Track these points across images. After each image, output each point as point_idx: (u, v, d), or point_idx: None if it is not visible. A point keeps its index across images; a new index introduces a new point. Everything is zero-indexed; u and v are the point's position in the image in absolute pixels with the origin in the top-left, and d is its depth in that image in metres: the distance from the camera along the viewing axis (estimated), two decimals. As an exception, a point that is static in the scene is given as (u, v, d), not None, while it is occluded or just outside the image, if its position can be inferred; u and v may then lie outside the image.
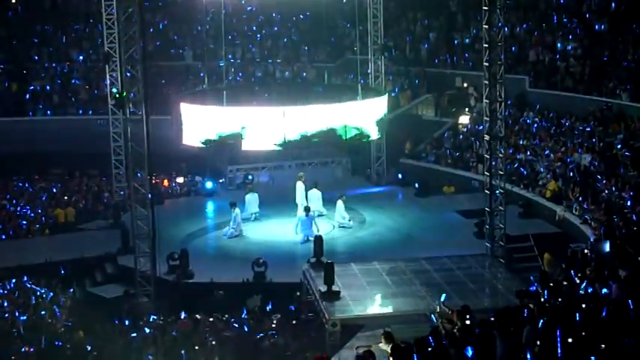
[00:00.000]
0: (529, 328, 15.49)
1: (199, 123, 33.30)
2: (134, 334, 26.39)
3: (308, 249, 31.92)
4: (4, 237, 36.54)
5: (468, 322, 17.69)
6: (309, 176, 38.16)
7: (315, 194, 36.94)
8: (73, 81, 50.41)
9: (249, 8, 53.68)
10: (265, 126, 32.35)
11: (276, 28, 54.05)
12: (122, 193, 39.62)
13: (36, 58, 51.34)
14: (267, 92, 40.96)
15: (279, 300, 29.07)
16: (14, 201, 40.01)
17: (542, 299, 18.40)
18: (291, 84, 47.35)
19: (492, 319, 16.22)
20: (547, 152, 37.79)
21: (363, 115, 33.36)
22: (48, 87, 49.88)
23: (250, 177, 41.96)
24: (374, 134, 34.38)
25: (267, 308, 28.69)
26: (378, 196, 40.42)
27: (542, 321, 15.52)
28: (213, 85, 41.36)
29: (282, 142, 32.32)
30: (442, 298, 21.70)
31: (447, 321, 19.19)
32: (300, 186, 36.89)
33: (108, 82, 40.30)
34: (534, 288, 20.84)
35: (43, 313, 27.79)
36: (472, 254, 31.33)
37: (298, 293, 29.51)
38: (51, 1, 54.66)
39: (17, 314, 27.43)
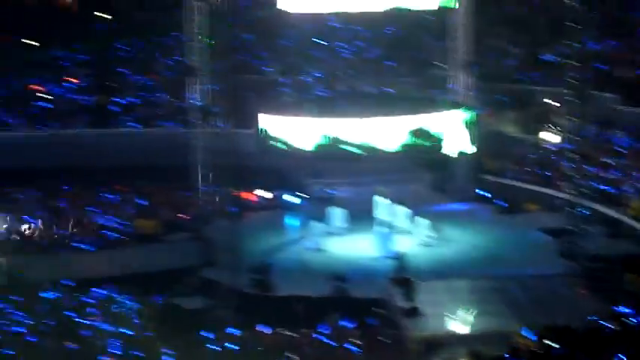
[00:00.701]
0: (616, 350, 15.25)
1: (283, 135, 33.45)
2: (215, 347, 26.54)
3: (389, 265, 31.82)
4: (89, 248, 37.01)
5: (549, 342, 17.48)
6: (391, 192, 38.03)
7: (399, 210, 36.83)
8: (157, 94, 50.93)
9: (334, 24, 53.75)
10: (349, 137, 32.43)
11: (360, 43, 54.05)
12: (205, 206, 39.87)
13: (122, 70, 52.00)
14: (351, 105, 40.94)
15: (360, 316, 28.99)
16: (100, 212, 40.49)
17: (630, 320, 18.10)
18: (374, 98, 47.27)
19: (575, 339, 16.01)
20: (634, 171, 37.22)
21: (447, 129, 33.23)
22: (133, 99, 50.48)
23: (332, 191, 41.96)
24: (457, 149, 34.22)
25: (348, 324, 28.64)
26: (461, 213, 40.13)
27: (629, 343, 15.28)
28: (297, 99, 41.52)
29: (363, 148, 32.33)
30: (523, 331, 21.47)
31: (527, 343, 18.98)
32: (380, 201, 36.79)
33: (192, 95, 40.58)
34: (619, 309, 20.54)
35: (125, 323, 28.10)
36: (555, 274, 30.97)
37: (380, 309, 29.41)
38: (137, 14, 55.38)
39: (101, 324, 27.78)
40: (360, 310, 29.39)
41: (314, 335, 27.73)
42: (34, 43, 53.09)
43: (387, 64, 52.13)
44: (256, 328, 28.19)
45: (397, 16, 46.19)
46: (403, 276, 29.51)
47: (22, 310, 29.66)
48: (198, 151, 40.03)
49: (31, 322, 28.66)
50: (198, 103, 39.03)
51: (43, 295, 31.00)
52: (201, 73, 39.04)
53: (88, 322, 28.28)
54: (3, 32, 51.75)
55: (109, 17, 54.97)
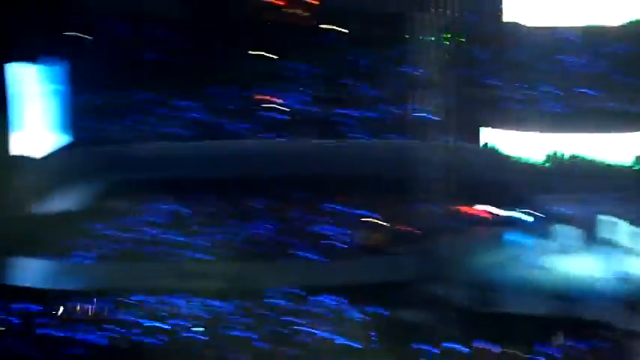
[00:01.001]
0: None
1: (510, 150, 33.00)
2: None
3: (617, 286, 30.85)
4: (316, 257, 37.43)
5: None
6: (621, 210, 36.86)
7: (629, 229, 35.70)
8: (385, 106, 51.06)
9: (564, 36, 52.53)
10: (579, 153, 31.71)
11: (591, 57, 52.55)
12: (430, 219, 39.67)
13: (351, 82, 52.42)
14: (581, 121, 39.97)
15: (585, 337, 28.22)
16: (326, 222, 40.91)
17: None
18: (606, 113, 45.94)
19: None
20: None
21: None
22: (362, 111, 50.79)
23: (560, 208, 40.98)
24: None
25: (573, 345, 27.94)
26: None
27: None
28: (525, 113, 40.79)
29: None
30: None
31: None
32: (609, 219, 35.72)
33: (420, 108, 40.50)
34: None
35: (347, 332, 28.35)
36: None
37: (606, 332, 28.56)
38: (367, 27, 55.70)
39: (323, 332, 28.12)
40: (586, 332, 28.60)
41: (536, 355, 27.19)
42: (267, 54, 54.35)
43: (620, 79, 50.53)
44: (476, 345, 27.87)
45: (633, 29, 44.85)
46: (632, 298, 28.51)
47: (248, 316, 30.45)
48: (424, 164, 39.88)
49: (257, 328, 29.37)
50: (426, 116, 38.94)
51: (268, 301, 31.73)
52: (430, 85, 38.94)
53: (311, 330, 28.69)
54: (237, 45, 53.24)
55: (340, 29, 55.63)
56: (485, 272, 33.47)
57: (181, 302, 32.44)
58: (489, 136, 33.92)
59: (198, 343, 29.04)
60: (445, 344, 27.89)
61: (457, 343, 27.98)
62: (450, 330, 29.51)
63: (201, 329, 30.18)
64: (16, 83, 40.56)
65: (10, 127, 39.70)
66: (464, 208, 38.94)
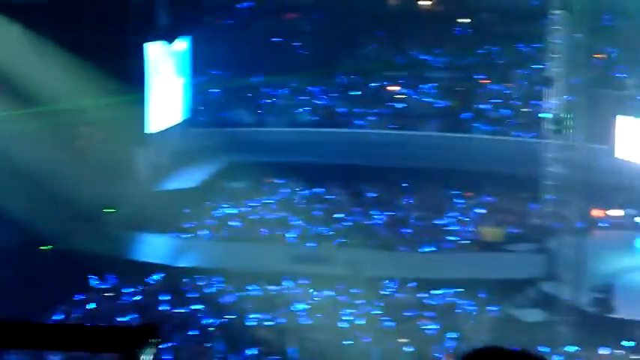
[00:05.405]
0: None
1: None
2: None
3: None
4: (433, 249, 37.23)
5: None
6: None
7: None
8: (511, 102, 50.57)
9: None
10: None
11: None
12: (551, 219, 39.04)
13: (477, 77, 52.01)
14: None
15: None
16: (445, 215, 40.72)
17: None
18: None
19: None
20: None
21: None
22: (486, 106, 50.40)
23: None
24: None
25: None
26: None
27: None
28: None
29: None
30: None
31: None
32: None
33: (546, 106, 39.83)
34: None
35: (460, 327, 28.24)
36: None
37: None
38: (496, 21, 55.14)
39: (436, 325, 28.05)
40: None
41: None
42: (397, 44, 54.20)
43: None
44: (593, 348, 27.39)
45: None
46: None
47: (362, 305, 30.45)
48: (547, 163, 39.23)
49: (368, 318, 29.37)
50: (552, 115, 38.30)
51: (383, 292, 31.72)
52: (558, 84, 38.27)
53: (425, 323, 28.61)
54: (367, 33, 53.19)
55: (468, 22, 55.17)
56: (607, 276, 32.84)
57: (294, 287, 32.51)
58: (619, 137, 33.17)
59: (308, 330, 29.07)
60: (566, 348, 27.46)
61: (576, 346, 27.52)
62: (568, 333, 29.03)
63: (313, 316, 30.18)
64: (147, 62, 41.15)
65: (138, 105, 40.34)
66: (591, 210, 38.23)
